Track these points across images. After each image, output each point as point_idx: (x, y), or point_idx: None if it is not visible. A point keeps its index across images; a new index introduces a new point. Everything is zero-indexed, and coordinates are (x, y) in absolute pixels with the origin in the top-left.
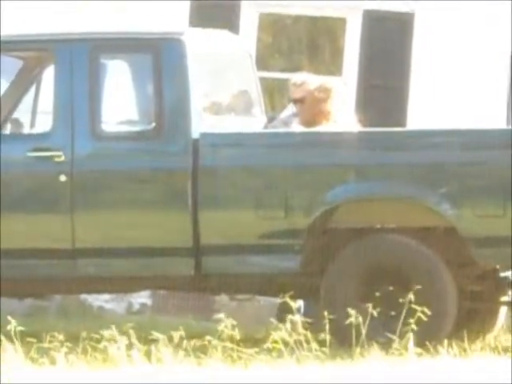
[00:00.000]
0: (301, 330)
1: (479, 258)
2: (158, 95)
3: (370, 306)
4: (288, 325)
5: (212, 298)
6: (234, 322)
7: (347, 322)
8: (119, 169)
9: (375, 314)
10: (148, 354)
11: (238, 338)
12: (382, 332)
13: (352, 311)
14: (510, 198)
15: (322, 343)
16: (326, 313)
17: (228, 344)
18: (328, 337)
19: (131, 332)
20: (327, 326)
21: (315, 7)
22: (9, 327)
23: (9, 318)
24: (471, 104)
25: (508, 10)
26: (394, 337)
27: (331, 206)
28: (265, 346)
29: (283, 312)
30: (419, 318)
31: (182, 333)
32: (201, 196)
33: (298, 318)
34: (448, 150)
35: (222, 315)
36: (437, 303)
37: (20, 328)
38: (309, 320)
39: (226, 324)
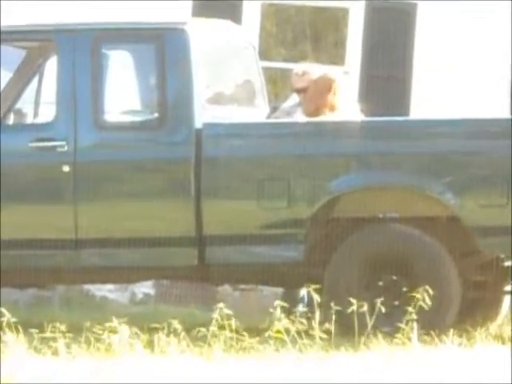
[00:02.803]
0: (304, 319)
1: (483, 248)
2: (161, 85)
3: (378, 300)
4: (278, 312)
5: (215, 288)
6: (230, 312)
7: (352, 311)
8: (122, 159)
9: (379, 304)
10: (151, 344)
11: (233, 327)
12: (386, 322)
13: (355, 301)
14: None
15: (325, 332)
16: (331, 303)
17: (230, 334)
18: (331, 327)
19: (133, 321)
20: (333, 316)
21: None
22: (3, 319)
23: (3, 310)
24: (474, 94)
25: (509, 1)
26: (401, 325)
27: (334, 195)
28: (266, 335)
29: (287, 302)
30: (421, 307)
31: (177, 326)
32: (204, 186)
33: (302, 308)
34: (451, 140)
35: (221, 304)
36: (440, 293)
37: (14, 319)
38: (308, 312)
39: (221, 314)
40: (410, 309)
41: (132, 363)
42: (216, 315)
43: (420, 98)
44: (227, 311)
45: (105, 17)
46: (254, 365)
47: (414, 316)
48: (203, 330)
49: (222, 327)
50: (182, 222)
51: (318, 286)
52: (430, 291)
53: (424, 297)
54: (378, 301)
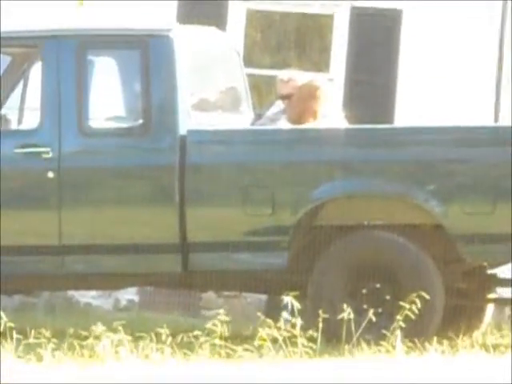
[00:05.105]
0: (289, 327)
1: (467, 256)
2: (145, 92)
3: (364, 307)
4: (282, 323)
5: (199, 295)
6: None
7: (336, 318)
8: (106, 165)
9: (364, 312)
10: (135, 351)
11: (226, 334)
12: (369, 329)
13: (346, 308)
14: (497, 195)
15: (309, 340)
16: (317, 311)
17: (216, 341)
18: (316, 334)
19: (119, 328)
20: (320, 324)
21: (303, 4)
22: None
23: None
24: (459, 100)
25: (495, 6)
26: (386, 332)
27: (318, 203)
28: (255, 344)
29: (271, 309)
30: (406, 315)
31: (167, 330)
32: (188, 193)
33: (288, 317)
34: (436, 147)
35: (221, 310)
36: (424, 300)
37: (10, 324)
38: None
39: (216, 321)
40: (398, 317)
41: (116, 370)
42: (214, 321)
43: (405, 105)
44: (226, 318)
45: (91, 22)
46: (238, 370)
47: (402, 324)
48: (190, 335)
49: (208, 334)
50: (166, 229)
51: (297, 293)
52: (424, 297)
53: (412, 305)
54: (366, 308)
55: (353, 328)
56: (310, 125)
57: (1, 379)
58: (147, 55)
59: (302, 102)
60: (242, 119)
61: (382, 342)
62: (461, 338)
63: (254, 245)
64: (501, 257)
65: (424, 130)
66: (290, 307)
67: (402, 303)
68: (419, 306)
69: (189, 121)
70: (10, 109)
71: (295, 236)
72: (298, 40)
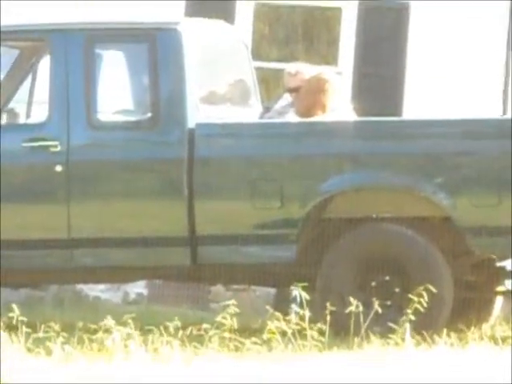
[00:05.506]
0: (298, 319)
1: (475, 248)
2: (153, 85)
3: (373, 300)
4: (293, 316)
5: (208, 288)
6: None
7: (345, 311)
8: (115, 159)
9: (373, 304)
10: (144, 344)
11: (235, 327)
12: (378, 322)
13: (354, 301)
14: (506, 188)
15: (318, 332)
16: (326, 303)
17: (225, 334)
18: (325, 327)
19: (129, 322)
20: (328, 317)
21: None
22: (11, 315)
23: (13, 306)
24: (467, 93)
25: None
26: (395, 326)
27: (327, 195)
28: (264, 337)
29: (279, 302)
30: (416, 307)
31: (178, 323)
32: (196, 186)
33: (298, 310)
34: (444, 140)
35: (232, 301)
36: (433, 293)
37: (22, 318)
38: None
39: (226, 313)
40: (408, 310)
41: (126, 363)
42: (224, 314)
43: (413, 97)
44: (236, 309)
45: (99, 16)
46: (247, 364)
47: (412, 317)
48: (199, 328)
49: (218, 327)
50: (175, 222)
51: (306, 284)
52: (432, 290)
53: (421, 298)
54: (374, 301)
55: (362, 321)
56: (318, 118)
57: (1, 379)
58: (155, 49)
59: (310, 95)
60: (250, 112)
61: (391, 335)
62: (470, 330)
63: (263, 238)
64: (509, 249)
65: (432, 122)
66: (298, 299)
67: (411, 296)
68: (428, 298)
69: (197, 114)
70: (18, 102)
71: (304, 229)
72: (306, 33)
